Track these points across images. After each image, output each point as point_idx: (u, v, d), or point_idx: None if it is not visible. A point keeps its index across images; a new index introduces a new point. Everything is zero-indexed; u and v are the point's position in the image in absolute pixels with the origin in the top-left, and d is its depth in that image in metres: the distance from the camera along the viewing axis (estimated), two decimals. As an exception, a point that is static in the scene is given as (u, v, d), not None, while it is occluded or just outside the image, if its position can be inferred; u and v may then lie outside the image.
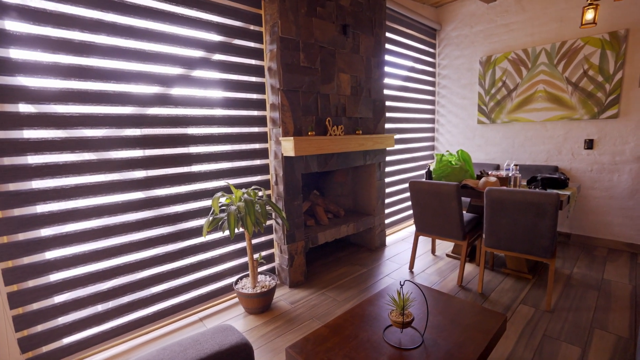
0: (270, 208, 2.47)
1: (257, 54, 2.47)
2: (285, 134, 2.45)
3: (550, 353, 1.79)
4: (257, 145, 2.56)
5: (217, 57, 2.27)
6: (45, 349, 1.75)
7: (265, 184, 2.62)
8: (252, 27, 2.42)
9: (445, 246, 3.49)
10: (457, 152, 3.08)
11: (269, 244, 2.70)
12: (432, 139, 4.63)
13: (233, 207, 2.06)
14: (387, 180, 3.77)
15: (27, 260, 1.68)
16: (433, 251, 3.33)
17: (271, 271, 2.75)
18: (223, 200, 2.23)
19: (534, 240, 2.22)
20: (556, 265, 2.92)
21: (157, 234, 2.10)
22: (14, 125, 1.60)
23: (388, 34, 3.56)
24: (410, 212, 4.32)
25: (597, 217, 3.36)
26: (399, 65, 3.81)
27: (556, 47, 3.38)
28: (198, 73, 2.19)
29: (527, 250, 2.28)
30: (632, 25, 2.98)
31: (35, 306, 1.72)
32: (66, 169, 1.75)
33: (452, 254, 3.19)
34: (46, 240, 1.72)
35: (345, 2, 2.80)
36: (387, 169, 3.79)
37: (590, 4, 2.55)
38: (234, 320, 2.20)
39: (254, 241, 2.59)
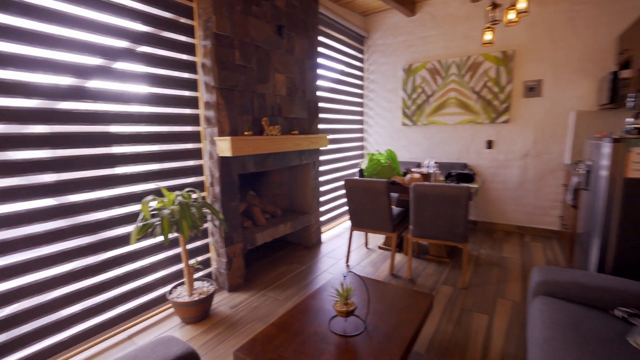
0: (207, 210, 2.36)
1: (189, 48, 2.33)
2: (221, 133, 2.37)
3: (467, 323, 2.09)
4: (189, 145, 2.41)
5: (144, 49, 2.08)
6: None
7: (199, 186, 2.49)
8: (182, 20, 2.28)
9: (376, 239, 3.76)
10: (386, 151, 3.35)
11: (204, 249, 2.57)
12: (362, 139, 4.93)
13: (166, 211, 1.92)
14: (320, 179, 3.90)
15: None
16: (366, 244, 3.56)
17: (208, 276, 2.63)
18: (154, 204, 2.06)
19: (451, 228, 2.54)
20: (468, 248, 3.39)
21: (73, 245, 1.84)
22: None
23: (321, 38, 3.68)
24: (343, 209, 4.54)
25: (496, 206, 3.99)
26: (331, 69, 3.96)
27: (463, 61, 3.90)
28: (121, 65, 1.98)
29: (446, 237, 2.60)
30: (517, 47, 3.62)
31: None
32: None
33: (383, 246, 3.46)
34: None
35: (281, 3, 2.82)
36: (321, 168, 3.92)
37: (488, 27, 3.02)
38: (170, 333, 2.05)
39: (189, 246, 2.45)
